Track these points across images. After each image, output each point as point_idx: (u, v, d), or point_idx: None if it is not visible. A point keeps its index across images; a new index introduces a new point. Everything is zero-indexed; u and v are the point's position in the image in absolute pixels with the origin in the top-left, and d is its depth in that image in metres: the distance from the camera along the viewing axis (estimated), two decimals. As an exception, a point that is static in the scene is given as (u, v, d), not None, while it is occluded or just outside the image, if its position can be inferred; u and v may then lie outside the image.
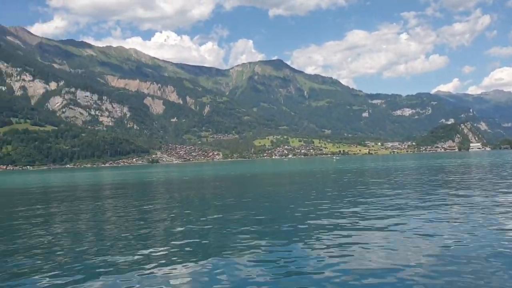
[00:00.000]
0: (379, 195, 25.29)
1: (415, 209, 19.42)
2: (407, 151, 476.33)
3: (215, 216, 20.01)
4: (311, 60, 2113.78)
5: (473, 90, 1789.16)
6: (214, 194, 32.12)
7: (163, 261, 12.05)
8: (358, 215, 18.18)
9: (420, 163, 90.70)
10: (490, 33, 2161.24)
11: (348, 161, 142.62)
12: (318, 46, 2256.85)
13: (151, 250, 13.64)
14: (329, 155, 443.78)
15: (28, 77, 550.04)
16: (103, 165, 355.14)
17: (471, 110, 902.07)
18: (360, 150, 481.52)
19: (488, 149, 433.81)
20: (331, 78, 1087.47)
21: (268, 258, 11.90)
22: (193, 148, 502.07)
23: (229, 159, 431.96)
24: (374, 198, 23.87)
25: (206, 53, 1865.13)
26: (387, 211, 19.29)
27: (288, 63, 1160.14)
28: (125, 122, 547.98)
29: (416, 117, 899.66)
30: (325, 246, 13.02)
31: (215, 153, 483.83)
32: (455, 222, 15.95)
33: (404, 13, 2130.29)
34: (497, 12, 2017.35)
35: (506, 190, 25.27)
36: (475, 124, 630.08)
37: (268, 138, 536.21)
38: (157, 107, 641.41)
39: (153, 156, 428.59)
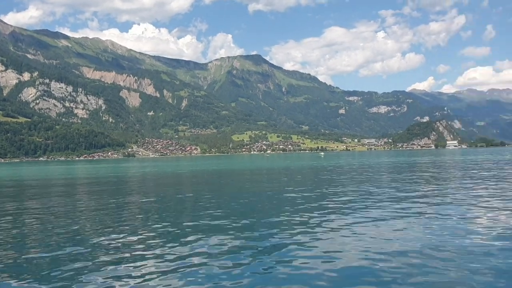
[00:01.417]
0: (371, 193, 23.13)
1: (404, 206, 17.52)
2: (384, 148, 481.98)
3: (191, 215, 17.91)
4: (290, 56, 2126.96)
5: (447, 89, 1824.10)
6: (192, 191, 29.37)
7: (136, 261, 11.03)
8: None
9: (406, 160, 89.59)
10: (465, 33, 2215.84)
11: (335, 157, 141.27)
12: (296, 42, 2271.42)
13: (124, 250, 12.09)
14: (307, 151, 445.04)
15: (0, 67, 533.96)
16: (77, 158, 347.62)
17: (445, 108, 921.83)
18: (337, 146, 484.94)
19: (464, 146, 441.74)
20: (309, 74, 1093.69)
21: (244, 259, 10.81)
22: (170, 142, 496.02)
23: (207, 154, 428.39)
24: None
25: (184, 47, 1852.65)
26: (366, 208, 18.03)
27: (267, 58, 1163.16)
28: (100, 114, 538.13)
29: (391, 114, 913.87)
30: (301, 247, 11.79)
31: (193, 148, 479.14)
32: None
33: (382, 11, 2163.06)
34: (472, 13, 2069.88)
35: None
36: (449, 122, 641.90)
37: (246, 133, 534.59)
38: (134, 100, 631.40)
39: (129, 150, 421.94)
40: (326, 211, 17.81)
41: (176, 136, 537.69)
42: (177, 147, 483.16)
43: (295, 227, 14.39)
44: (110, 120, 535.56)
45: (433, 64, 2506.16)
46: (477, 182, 28.95)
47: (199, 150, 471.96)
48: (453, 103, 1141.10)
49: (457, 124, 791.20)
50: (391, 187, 27.55)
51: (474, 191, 23.45)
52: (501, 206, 17.81)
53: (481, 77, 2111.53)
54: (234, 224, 15.24)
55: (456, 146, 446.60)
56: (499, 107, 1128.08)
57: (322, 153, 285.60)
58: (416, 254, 10.58)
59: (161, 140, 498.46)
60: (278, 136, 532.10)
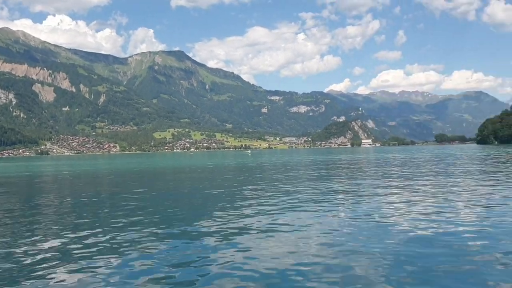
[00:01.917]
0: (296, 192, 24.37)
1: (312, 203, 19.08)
2: (304, 146, 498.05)
3: (107, 220, 17.17)
4: (213, 54, 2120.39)
5: (362, 90, 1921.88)
6: (109, 193, 28.48)
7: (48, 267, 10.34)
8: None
9: (333, 157, 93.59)
10: (379, 37, 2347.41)
11: (260, 155, 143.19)
12: (220, 41, 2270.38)
13: (28, 259, 11.19)
14: (231, 149, 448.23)
15: None
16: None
17: (360, 109, 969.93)
18: (260, 145, 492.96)
19: (378, 145, 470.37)
20: (232, 73, 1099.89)
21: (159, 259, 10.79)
22: (87, 139, 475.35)
23: (127, 152, 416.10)
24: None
25: (103, 40, 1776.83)
26: (286, 208, 18.54)
27: (190, 55, 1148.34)
28: (11, 109, 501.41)
29: (310, 114, 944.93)
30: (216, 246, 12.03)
31: (112, 145, 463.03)
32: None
33: (302, 14, 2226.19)
34: (385, 18, 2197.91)
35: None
36: (364, 122, 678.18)
37: (169, 131, 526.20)
38: (47, 95, 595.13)
39: (42, 147, 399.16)
40: (249, 211, 18.05)
41: (94, 133, 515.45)
42: (94, 144, 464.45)
43: (215, 230, 14.30)
44: (22, 115, 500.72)
45: (349, 66, 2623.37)
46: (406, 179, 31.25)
47: (118, 148, 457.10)
48: (367, 103, 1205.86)
49: (370, 124, 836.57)
50: (315, 185, 28.54)
51: (396, 189, 24.90)
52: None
53: (393, 79, 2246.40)
54: (153, 229, 14.83)
55: (370, 144, 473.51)
56: (408, 108, 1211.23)
57: (249, 151, 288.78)
58: (331, 254, 10.70)
59: (77, 137, 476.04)
60: (202, 134, 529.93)
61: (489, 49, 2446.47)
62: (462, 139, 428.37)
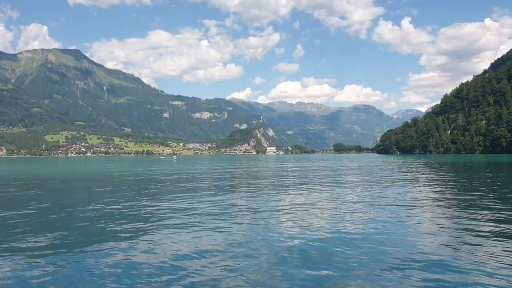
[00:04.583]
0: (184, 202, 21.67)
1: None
2: (209, 153, 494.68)
3: None
4: (112, 55, 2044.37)
5: (262, 100, 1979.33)
6: None
7: None
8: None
9: (253, 165, 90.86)
10: (279, 49, 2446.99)
11: (188, 162, 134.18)
12: (120, 42, 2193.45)
13: None
14: (132, 154, 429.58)
15: None
16: None
17: (261, 117, 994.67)
18: (163, 150, 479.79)
19: (281, 153, 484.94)
20: (132, 75, 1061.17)
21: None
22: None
23: (15, 156, 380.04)
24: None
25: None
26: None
27: (87, 55, 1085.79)
28: None
29: (213, 120, 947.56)
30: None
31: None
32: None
33: (206, 21, 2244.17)
34: (285, 32, 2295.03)
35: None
36: (265, 130, 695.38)
37: (62, 134, 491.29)
38: None
39: None
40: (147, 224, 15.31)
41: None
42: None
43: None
44: None
45: (251, 76, 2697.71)
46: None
47: (4, 151, 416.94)
48: (267, 112, 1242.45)
49: (271, 132, 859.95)
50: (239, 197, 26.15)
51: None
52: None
53: (291, 90, 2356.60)
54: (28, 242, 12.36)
55: (274, 152, 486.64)
56: (304, 119, 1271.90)
57: (175, 156, 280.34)
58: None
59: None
60: (98, 138, 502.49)
61: (377, 66, 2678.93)
62: (358, 149, 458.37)
